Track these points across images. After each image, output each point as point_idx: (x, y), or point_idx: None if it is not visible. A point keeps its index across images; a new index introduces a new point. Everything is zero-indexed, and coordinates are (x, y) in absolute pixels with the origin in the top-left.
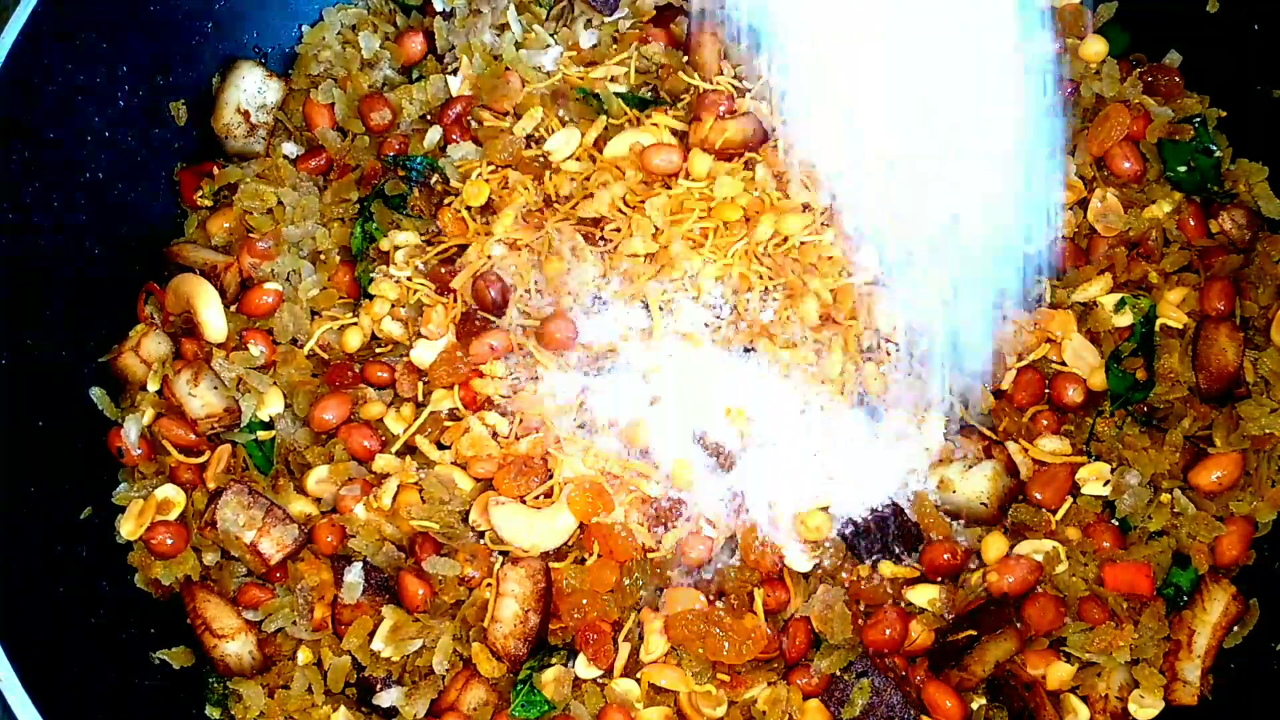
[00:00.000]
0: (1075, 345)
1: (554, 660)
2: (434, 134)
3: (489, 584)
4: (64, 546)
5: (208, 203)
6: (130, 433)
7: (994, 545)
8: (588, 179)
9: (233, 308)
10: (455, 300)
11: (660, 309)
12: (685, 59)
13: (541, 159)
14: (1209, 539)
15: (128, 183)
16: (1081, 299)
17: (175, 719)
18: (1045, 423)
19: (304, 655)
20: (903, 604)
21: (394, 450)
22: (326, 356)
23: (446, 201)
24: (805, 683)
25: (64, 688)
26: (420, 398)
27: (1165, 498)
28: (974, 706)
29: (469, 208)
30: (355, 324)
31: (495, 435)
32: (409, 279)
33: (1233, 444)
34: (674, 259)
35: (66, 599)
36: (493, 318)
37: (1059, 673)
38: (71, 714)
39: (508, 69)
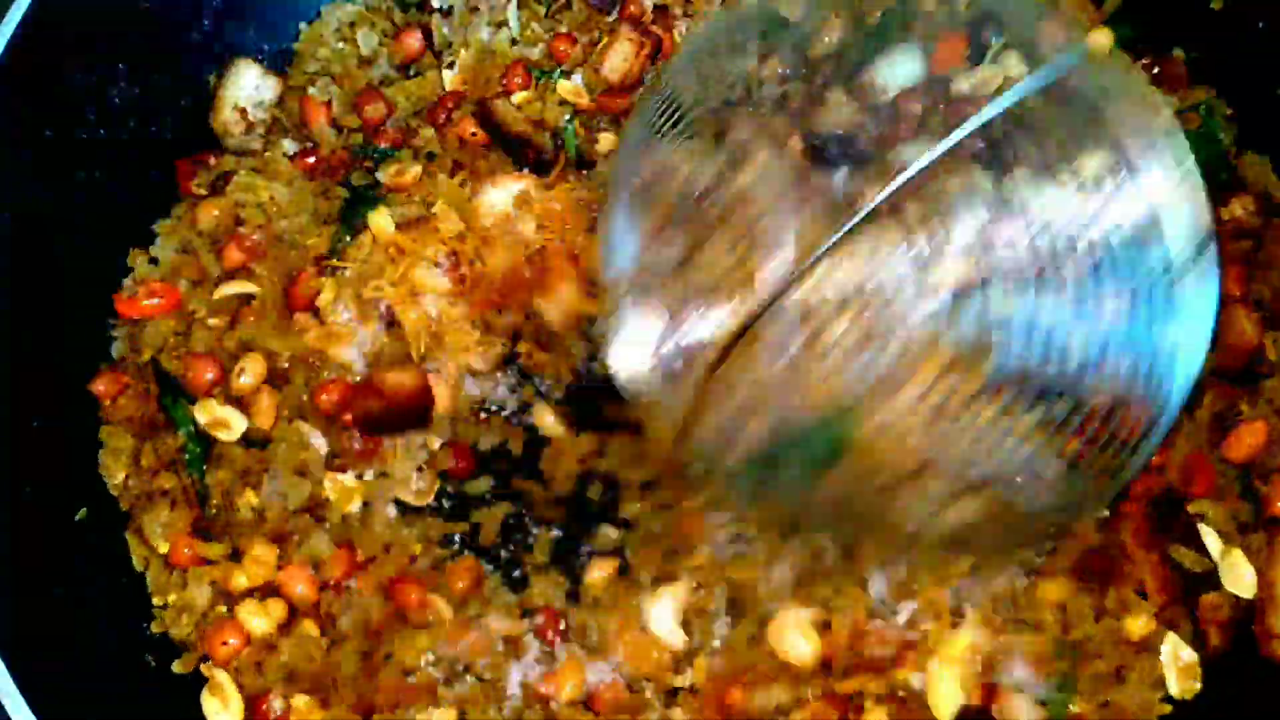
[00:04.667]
0: None
1: None
2: (427, 134)
3: None
4: (60, 547)
5: (203, 192)
6: None
7: None
8: None
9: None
10: None
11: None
12: None
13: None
14: None
15: (125, 182)
16: None
17: None
18: None
19: None
20: None
21: None
22: None
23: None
24: None
25: (60, 690)
26: None
27: None
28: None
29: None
30: None
31: None
32: None
33: (1259, 412)
34: None
35: (62, 600)
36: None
37: None
38: (69, 715)
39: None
